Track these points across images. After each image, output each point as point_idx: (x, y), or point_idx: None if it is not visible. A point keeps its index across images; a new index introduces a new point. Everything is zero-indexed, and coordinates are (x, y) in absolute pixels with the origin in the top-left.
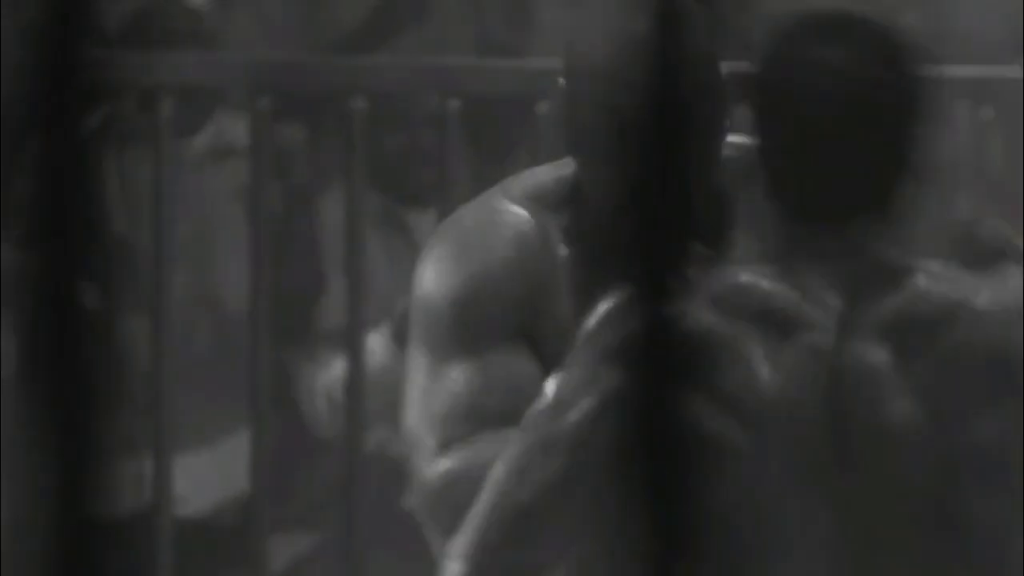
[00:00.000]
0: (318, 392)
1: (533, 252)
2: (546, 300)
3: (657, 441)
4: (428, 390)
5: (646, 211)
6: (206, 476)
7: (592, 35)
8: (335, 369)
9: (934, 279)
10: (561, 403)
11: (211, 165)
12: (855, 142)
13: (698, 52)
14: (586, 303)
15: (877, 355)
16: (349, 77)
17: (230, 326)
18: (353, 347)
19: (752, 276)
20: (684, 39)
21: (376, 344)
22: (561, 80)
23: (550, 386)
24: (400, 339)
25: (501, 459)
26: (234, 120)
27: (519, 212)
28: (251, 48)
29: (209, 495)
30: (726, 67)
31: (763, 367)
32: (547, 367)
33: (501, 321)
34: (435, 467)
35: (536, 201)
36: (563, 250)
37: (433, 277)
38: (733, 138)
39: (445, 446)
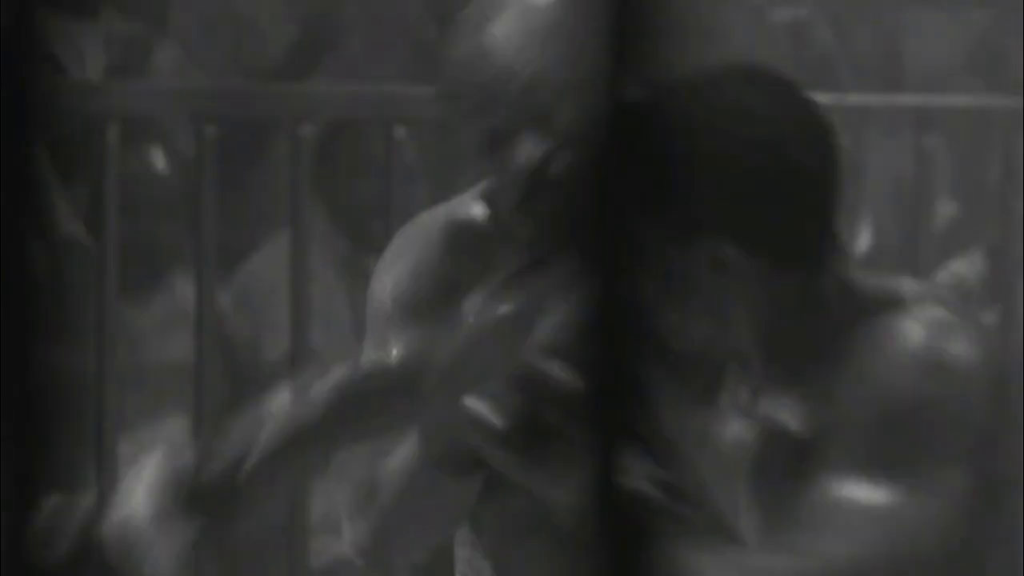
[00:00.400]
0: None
1: (476, 244)
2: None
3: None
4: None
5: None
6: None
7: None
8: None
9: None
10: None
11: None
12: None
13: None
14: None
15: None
16: (296, 103)
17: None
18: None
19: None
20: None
21: None
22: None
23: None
24: None
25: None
26: (186, 280)
27: (474, 208)
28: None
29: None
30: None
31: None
32: None
33: (437, 311)
34: None
35: (494, 198)
36: (507, 246)
37: (376, 275)
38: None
39: None
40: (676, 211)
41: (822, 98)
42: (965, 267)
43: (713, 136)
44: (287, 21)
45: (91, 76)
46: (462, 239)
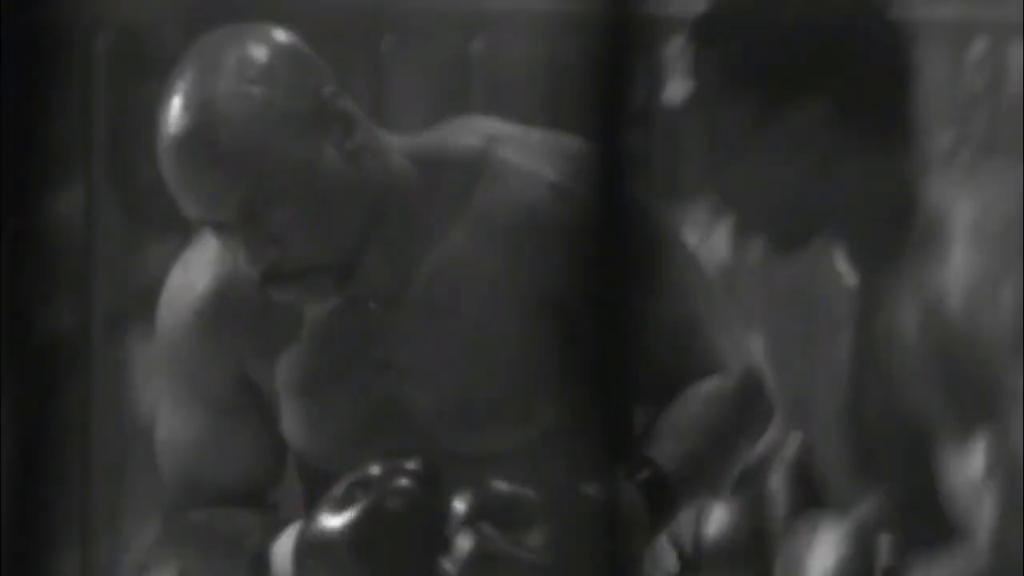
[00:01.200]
0: None
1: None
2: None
3: None
4: (162, 439)
5: None
6: None
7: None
8: None
9: None
10: None
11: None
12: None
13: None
14: None
15: None
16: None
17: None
18: None
19: None
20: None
21: None
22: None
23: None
24: None
25: None
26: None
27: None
28: None
29: None
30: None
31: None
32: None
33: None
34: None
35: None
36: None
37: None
38: None
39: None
40: (772, 78)
41: None
42: None
43: (791, 27)
44: None
45: None
46: (229, 306)
